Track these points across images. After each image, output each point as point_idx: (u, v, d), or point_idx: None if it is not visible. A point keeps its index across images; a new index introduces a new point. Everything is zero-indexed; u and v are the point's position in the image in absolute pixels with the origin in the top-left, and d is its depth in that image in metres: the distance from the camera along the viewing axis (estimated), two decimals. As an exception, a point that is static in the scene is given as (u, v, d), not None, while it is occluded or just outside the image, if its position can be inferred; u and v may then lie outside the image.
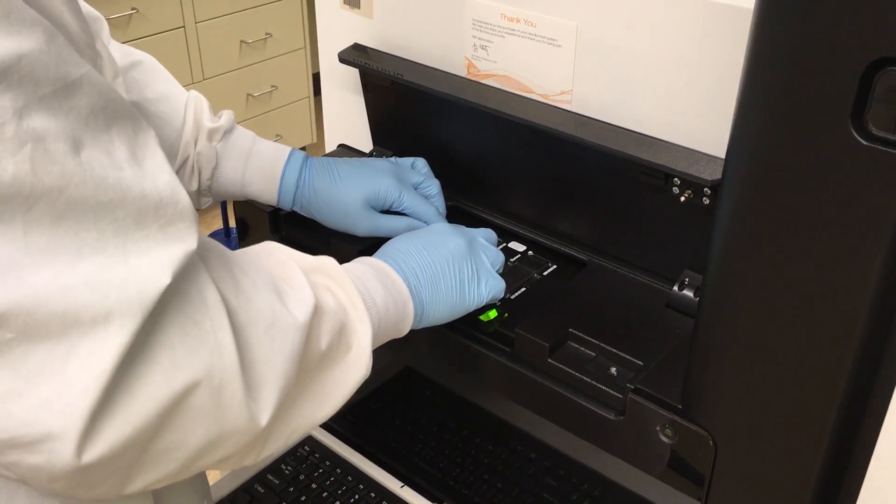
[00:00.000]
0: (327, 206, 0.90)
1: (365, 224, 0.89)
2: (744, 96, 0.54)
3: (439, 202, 0.92)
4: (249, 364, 0.56)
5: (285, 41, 2.96)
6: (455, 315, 0.78)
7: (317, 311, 0.62)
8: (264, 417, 0.57)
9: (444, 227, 0.83)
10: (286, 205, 0.92)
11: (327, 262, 0.69)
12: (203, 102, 0.91)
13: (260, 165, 0.91)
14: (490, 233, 0.87)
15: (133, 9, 2.48)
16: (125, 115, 0.52)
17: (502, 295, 0.81)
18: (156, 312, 0.50)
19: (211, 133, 0.89)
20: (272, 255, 0.67)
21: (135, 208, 0.50)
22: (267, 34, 2.88)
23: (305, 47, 3.04)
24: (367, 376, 0.67)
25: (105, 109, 0.50)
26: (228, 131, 0.91)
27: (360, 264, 0.74)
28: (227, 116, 0.91)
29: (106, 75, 0.70)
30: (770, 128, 0.53)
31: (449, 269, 0.77)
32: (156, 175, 0.52)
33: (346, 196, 0.89)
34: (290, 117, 3.08)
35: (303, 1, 2.96)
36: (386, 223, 0.89)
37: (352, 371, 0.66)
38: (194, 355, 0.52)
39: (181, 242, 0.52)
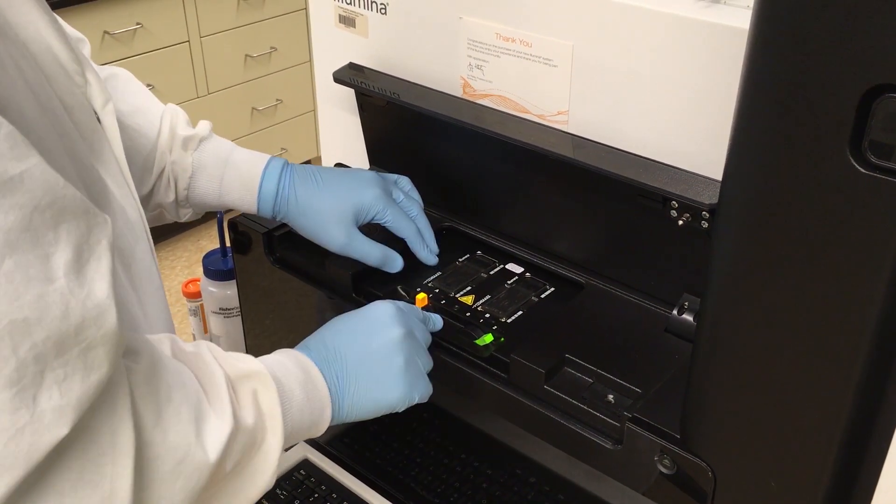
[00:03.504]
0: (306, 213, 0.86)
1: (341, 237, 0.86)
2: (739, 122, 0.52)
3: (421, 222, 0.90)
4: (146, 502, 0.54)
5: (290, 55, 2.96)
6: (377, 414, 0.75)
7: (231, 435, 0.60)
8: None
9: (387, 311, 0.77)
10: (266, 213, 0.89)
11: (258, 369, 0.67)
12: (179, 113, 0.89)
13: (237, 174, 0.88)
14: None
15: (138, 24, 2.48)
16: (77, 210, 0.49)
17: (427, 399, 0.77)
18: (54, 454, 0.47)
19: (186, 141, 0.87)
20: (202, 361, 0.64)
21: (55, 329, 0.46)
22: (272, 48, 2.88)
23: (310, 61, 3.04)
24: (269, 488, 0.66)
25: (52, 206, 0.47)
26: (205, 140, 0.89)
27: (287, 361, 0.71)
28: (203, 126, 0.89)
29: (95, 101, 0.68)
30: (766, 155, 0.51)
31: (379, 365, 0.74)
32: (92, 285, 0.49)
33: (327, 203, 0.86)
34: (295, 131, 3.08)
35: (307, 14, 2.96)
36: (360, 247, 0.86)
37: (254, 483, 0.65)
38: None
39: (97, 371, 0.48)
